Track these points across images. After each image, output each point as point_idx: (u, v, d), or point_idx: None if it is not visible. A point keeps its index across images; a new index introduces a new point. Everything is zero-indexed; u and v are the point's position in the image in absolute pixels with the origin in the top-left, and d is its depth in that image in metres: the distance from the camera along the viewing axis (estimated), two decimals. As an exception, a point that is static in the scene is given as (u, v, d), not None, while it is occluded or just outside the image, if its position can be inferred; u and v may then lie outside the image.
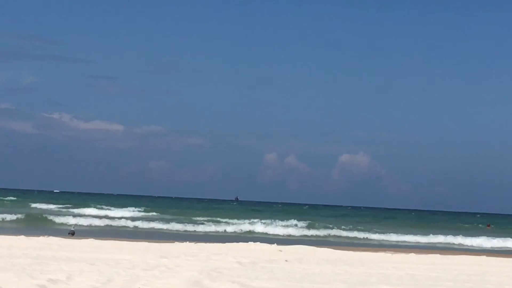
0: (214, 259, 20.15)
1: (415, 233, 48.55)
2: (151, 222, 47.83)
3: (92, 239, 28.22)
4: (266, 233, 45.39)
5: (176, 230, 44.78)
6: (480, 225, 71.91)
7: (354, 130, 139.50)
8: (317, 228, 49.66)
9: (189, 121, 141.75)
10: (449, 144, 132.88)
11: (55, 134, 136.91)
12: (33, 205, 69.05)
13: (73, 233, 34.65)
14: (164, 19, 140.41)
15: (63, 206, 68.12)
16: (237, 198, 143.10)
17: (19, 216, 47.05)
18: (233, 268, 18.09)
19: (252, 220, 53.25)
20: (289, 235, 45.27)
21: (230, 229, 46.50)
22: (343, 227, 51.10)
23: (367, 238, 45.61)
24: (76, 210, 62.63)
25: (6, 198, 79.23)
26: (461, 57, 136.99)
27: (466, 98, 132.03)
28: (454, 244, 45.23)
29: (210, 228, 46.79)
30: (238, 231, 45.68)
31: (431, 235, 47.97)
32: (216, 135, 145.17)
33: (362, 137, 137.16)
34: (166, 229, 45.08)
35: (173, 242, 28.81)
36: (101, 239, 28.66)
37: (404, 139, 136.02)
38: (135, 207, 70.62)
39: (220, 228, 46.77)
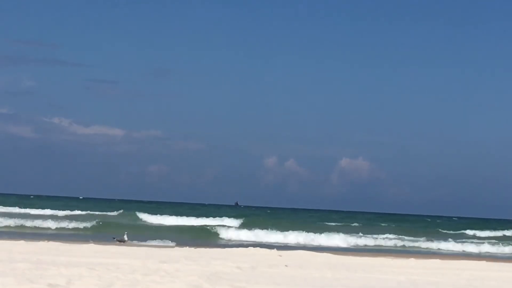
0: (214, 264, 20.15)
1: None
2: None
3: (92, 243, 28.23)
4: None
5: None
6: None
7: (354, 134, 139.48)
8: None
9: (189, 125, 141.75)
10: (449, 148, 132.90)
11: (54, 138, 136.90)
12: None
13: (123, 240, 32.73)
14: (163, 23, 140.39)
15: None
16: (237, 203, 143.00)
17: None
18: (233, 272, 18.10)
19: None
20: None
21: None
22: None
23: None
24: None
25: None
26: (461, 59, 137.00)
27: (466, 100, 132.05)
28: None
29: None
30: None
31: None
32: (215, 139, 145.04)
33: (362, 141, 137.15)
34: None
35: (173, 247, 28.82)
36: (101, 244, 28.65)
37: (404, 143, 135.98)
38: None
39: None
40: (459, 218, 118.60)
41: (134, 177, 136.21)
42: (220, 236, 45.29)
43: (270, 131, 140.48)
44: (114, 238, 33.20)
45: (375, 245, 44.30)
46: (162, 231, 47.06)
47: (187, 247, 29.52)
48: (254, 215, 75.27)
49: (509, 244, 47.52)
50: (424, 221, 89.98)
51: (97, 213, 64.75)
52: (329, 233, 47.06)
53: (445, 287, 17.42)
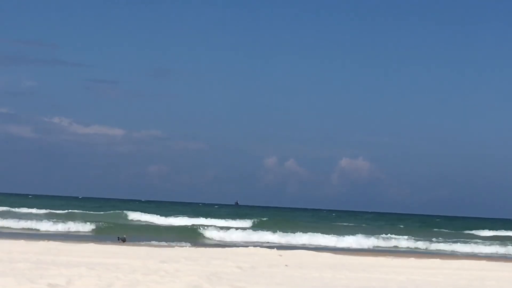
0: (214, 264, 20.14)
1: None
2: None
3: (92, 243, 28.22)
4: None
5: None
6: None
7: (354, 134, 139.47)
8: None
9: (189, 125, 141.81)
10: (449, 148, 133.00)
11: (54, 138, 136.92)
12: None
13: (124, 239, 33.49)
14: (163, 23, 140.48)
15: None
16: (237, 203, 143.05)
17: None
18: (233, 272, 18.09)
19: None
20: None
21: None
22: None
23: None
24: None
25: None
26: (461, 59, 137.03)
27: (466, 100, 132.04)
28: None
29: None
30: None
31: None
32: (216, 139, 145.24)
33: (362, 141, 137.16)
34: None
35: (173, 247, 28.81)
36: (102, 244, 28.64)
37: (404, 143, 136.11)
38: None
39: None
40: (459, 218, 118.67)
41: (134, 177, 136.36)
42: (220, 235, 45.29)
43: (270, 131, 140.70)
44: (118, 239, 33.37)
45: (375, 245, 44.26)
46: (161, 231, 47.09)
47: (187, 247, 29.52)
48: (254, 215, 75.27)
49: (509, 244, 47.50)
50: (424, 221, 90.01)
51: (96, 213, 64.70)
52: (329, 233, 47.03)
53: (445, 287, 17.41)
